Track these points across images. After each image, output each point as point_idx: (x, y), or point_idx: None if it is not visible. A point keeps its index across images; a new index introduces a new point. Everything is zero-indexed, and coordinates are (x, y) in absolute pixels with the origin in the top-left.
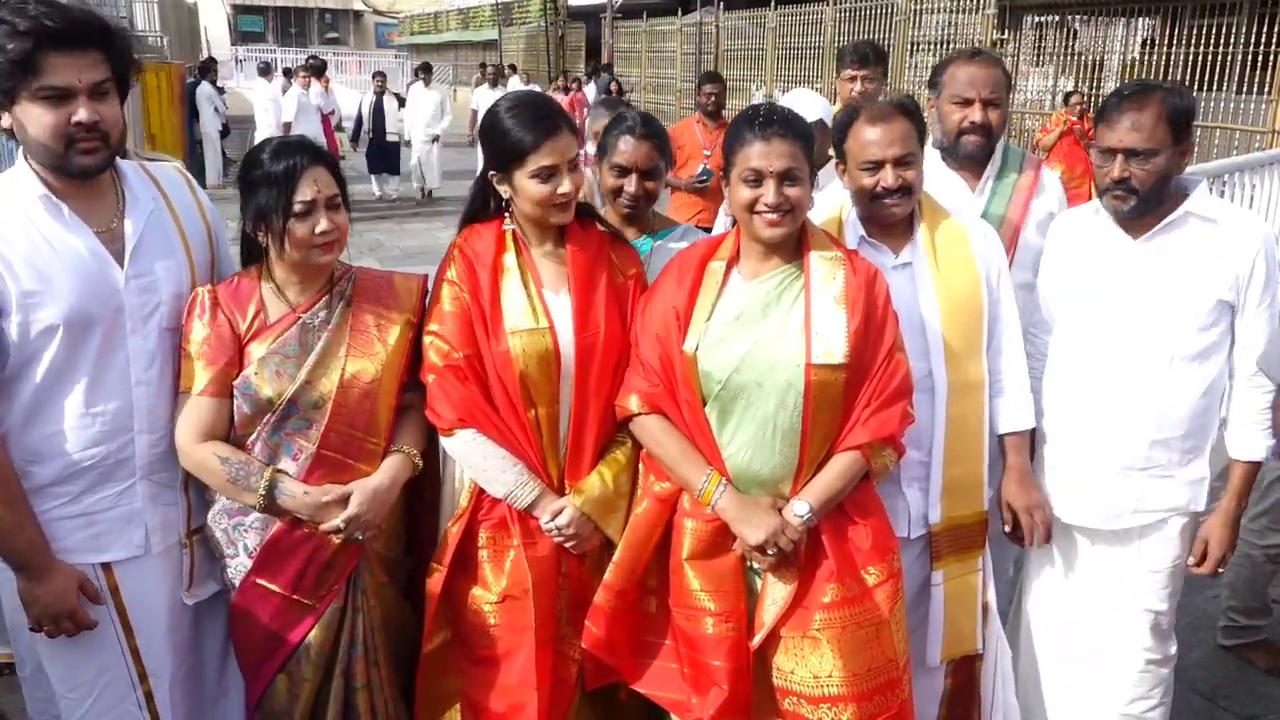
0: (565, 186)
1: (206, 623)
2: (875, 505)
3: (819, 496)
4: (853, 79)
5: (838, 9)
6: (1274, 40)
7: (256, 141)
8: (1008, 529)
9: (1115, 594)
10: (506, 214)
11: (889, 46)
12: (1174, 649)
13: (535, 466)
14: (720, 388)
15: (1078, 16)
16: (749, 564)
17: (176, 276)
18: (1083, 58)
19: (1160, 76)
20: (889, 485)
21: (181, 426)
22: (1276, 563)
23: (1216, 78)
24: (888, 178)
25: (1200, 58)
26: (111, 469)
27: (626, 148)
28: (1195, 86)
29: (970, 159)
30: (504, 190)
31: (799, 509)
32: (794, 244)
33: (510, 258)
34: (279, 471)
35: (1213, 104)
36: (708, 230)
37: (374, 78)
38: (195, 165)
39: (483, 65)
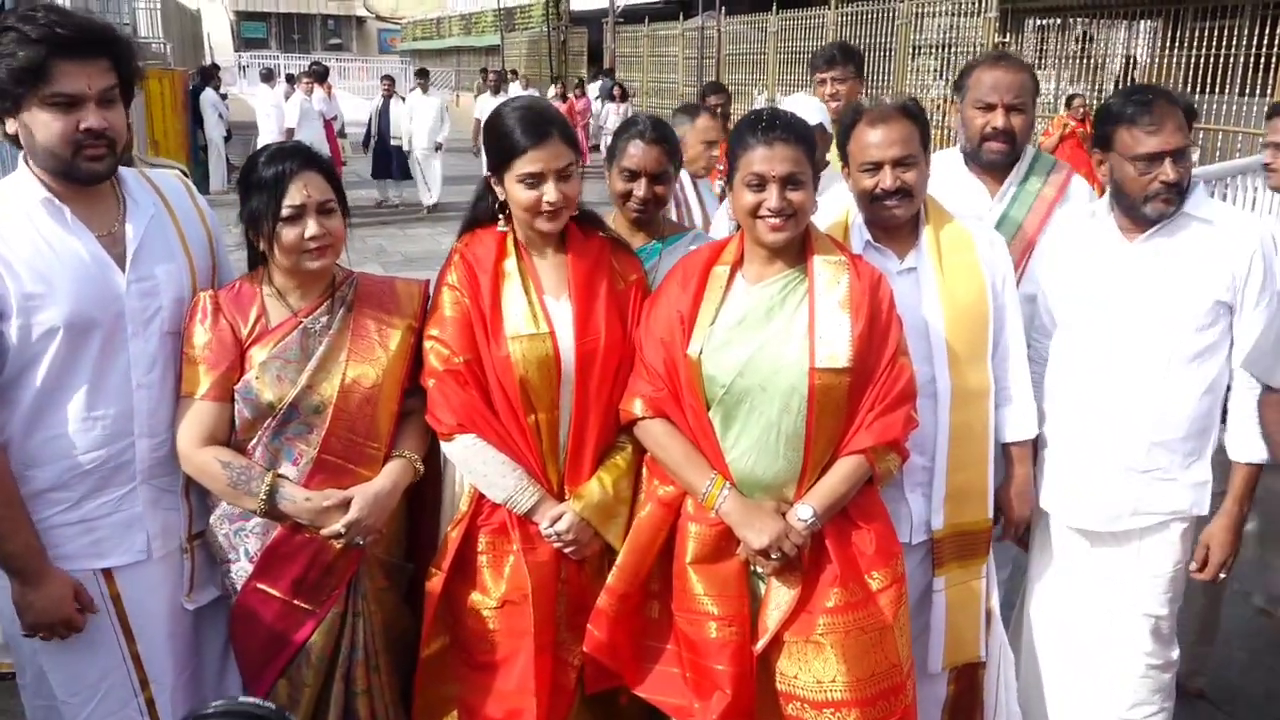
0: (551, 195)
1: (207, 628)
2: (879, 510)
3: (823, 501)
4: (823, 82)
5: (839, 13)
6: (1276, 43)
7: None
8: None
9: (1116, 598)
10: (501, 216)
11: (890, 50)
12: (1176, 654)
13: (535, 472)
14: (724, 392)
15: (1080, 19)
16: (752, 568)
17: (177, 281)
18: (1086, 60)
19: (1162, 79)
20: (892, 490)
21: (183, 431)
22: None
23: (1218, 80)
24: (886, 179)
25: (1202, 60)
26: (112, 473)
27: (636, 152)
28: (1197, 89)
29: (994, 166)
30: (500, 192)
31: (802, 513)
32: (798, 248)
33: (511, 263)
34: (280, 476)
35: (1215, 107)
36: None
37: (382, 81)
38: (199, 171)
39: (484, 71)
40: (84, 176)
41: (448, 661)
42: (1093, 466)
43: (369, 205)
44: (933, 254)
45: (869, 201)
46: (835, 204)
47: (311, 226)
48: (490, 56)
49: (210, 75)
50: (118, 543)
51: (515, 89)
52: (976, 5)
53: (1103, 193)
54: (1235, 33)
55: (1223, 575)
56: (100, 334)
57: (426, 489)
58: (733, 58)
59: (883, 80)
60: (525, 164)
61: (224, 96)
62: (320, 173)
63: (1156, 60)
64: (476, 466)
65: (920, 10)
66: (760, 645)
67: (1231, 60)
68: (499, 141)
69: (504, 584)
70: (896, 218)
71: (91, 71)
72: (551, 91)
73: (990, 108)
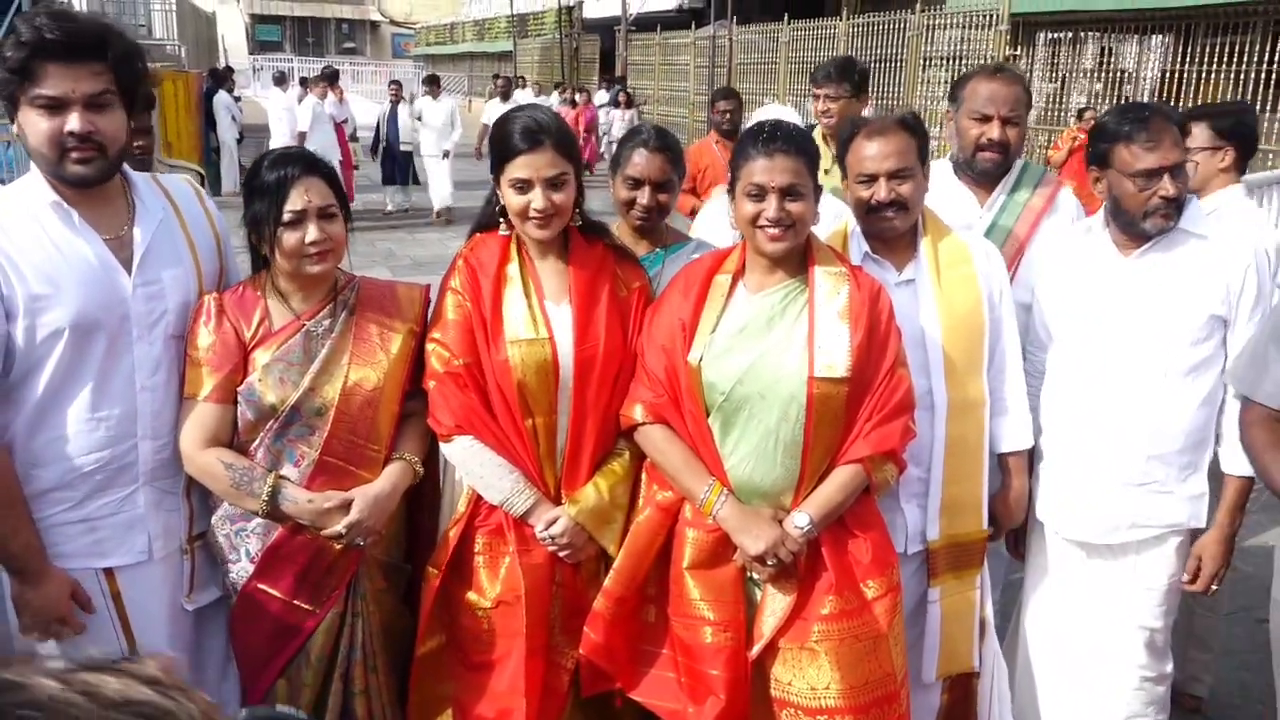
0: (538, 202)
1: (208, 629)
2: (875, 519)
3: (820, 509)
4: (817, 97)
5: (850, 24)
6: None
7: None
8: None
9: (1111, 610)
10: (502, 220)
11: (901, 62)
12: (1170, 666)
13: (532, 475)
14: (724, 399)
15: (1091, 33)
16: (749, 574)
17: (184, 285)
18: (1105, 74)
19: (1174, 93)
20: (888, 501)
21: (186, 432)
22: None
23: (1230, 95)
24: (881, 191)
25: (1214, 75)
26: (115, 474)
27: (640, 160)
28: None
29: (986, 175)
30: (501, 195)
31: (799, 520)
32: (798, 258)
33: (513, 268)
34: (281, 478)
35: None
36: None
37: (390, 86)
38: (211, 172)
39: (495, 76)
40: (71, 178)
41: (443, 660)
42: (1089, 479)
43: (380, 209)
44: (930, 266)
45: (865, 213)
46: (829, 215)
47: (312, 231)
48: (503, 62)
49: (224, 78)
50: (119, 543)
51: (526, 95)
52: (987, 18)
53: (1091, 209)
54: (1247, 48)
55: (1214, 587)
56: (105, 336)
57: (426, 491)
58: (744, 67)
59: (893, 92)
60: (515, 169)
61: (237, 99)
62: (322, 178)
63: (1167, 75)
64: (474, 468)
65: (931, 22)
66: (755, 651)
67: (1242, 75)
68: (497, 145)
69: (499, 585)
70: (892, 229)
71: (79, 74)
72: (556, 97)
73: (986, 119)
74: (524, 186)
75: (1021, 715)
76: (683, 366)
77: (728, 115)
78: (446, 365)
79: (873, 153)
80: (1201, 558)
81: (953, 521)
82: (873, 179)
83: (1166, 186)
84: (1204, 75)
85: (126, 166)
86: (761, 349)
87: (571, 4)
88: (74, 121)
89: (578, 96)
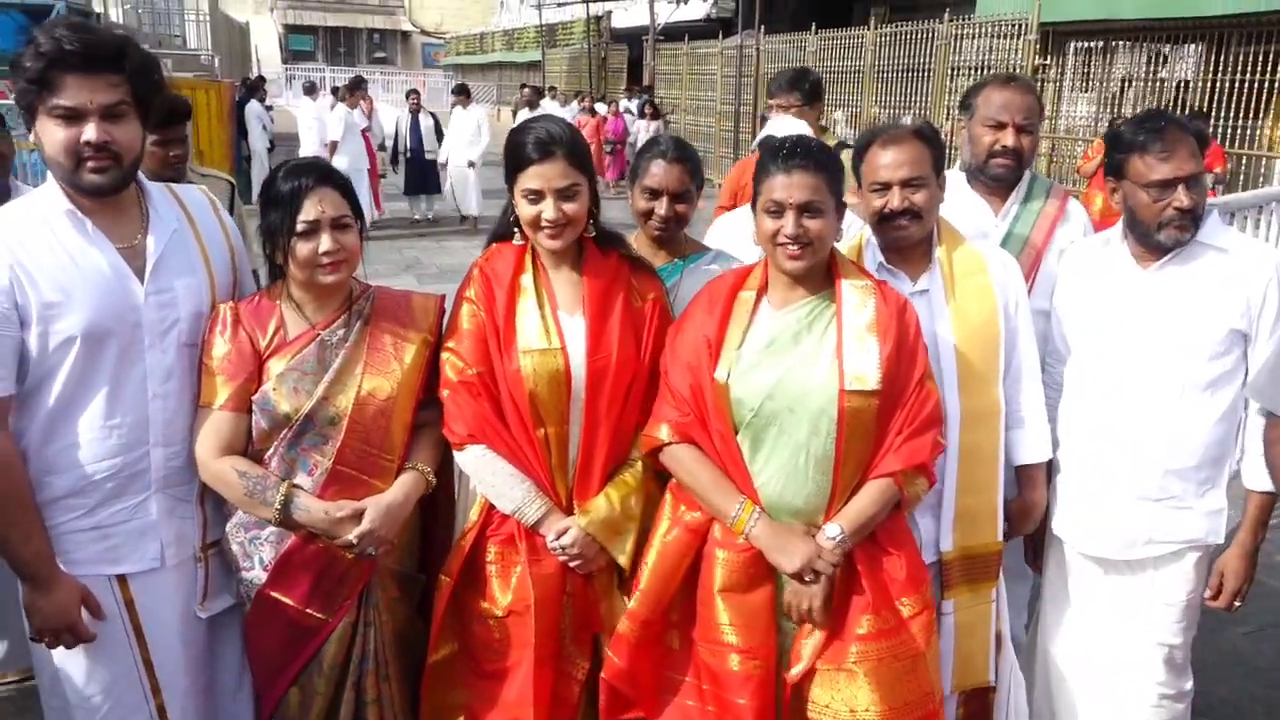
0: (548, 212)
1: (222, 635)
2: (907, 536)
3: (852, 521)
4: (770, 108)
5: (878, 33)
6: None
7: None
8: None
9: (1129, 626)
10: (516, 230)
11: (929, 71)
12: (1190, 684)
13: (544, 485)
14: (752, 415)
15: (1121, 42)
16: (780, 603)
17: (196, 294)
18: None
19: (1206, 103)
20: None
21: (201, 441)
22: None
23: (1263, 105)
24: (894, 199)
25: (1246, 85)
26: (127, 481)
27: (658, 171)
28: (1241, 114)
29: (998, 181)
30: (514, 205)
31: (831, 531)
32: (822, 274)
33: (528, 278)
34: (295, 486)
35: (1259, 131)
36: None
37: (408, 96)
38: (242, 180)
39: (523, 86)
40: (87, 187)
41: (455, 668)
42: (1106, 494)
43: (407, 217)
44: (945, 276)
45: (878, 222)
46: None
47: (325, 242)
48: (531, 72)
49: (255, 87)
50: (131, 550)
51: (552, 105)
52: (1016, 28)
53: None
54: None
55: (1237, 604)
56: (117, 344)
57: (440, 501)
58: (770, 76)
59: (921, 101)
60: (527, 179)
61: (269, 108)
62: (336, 189)
63: (1200, 84)
64: (486, 477)
65: (959, 32)
66: (795, 674)
67: (1275, 85)
68: (510, 156)
69: (510, 594)
70: (906, 238)
71: (96, 85)
72: (574, 107)
73: (1000, 126)
74: (536, 197)
75: None
76: (709, 384)
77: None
78: (460, 374)
79: (887, 161)
80: (1224, 574)
81: (967, 532)
82: (887, 187)
83: (1181, 198)
84: (1237, 84)
85: (141, 176)
86: (789, 363)
87: (600, 14)
88: (90, 131)
89: (599, 106)
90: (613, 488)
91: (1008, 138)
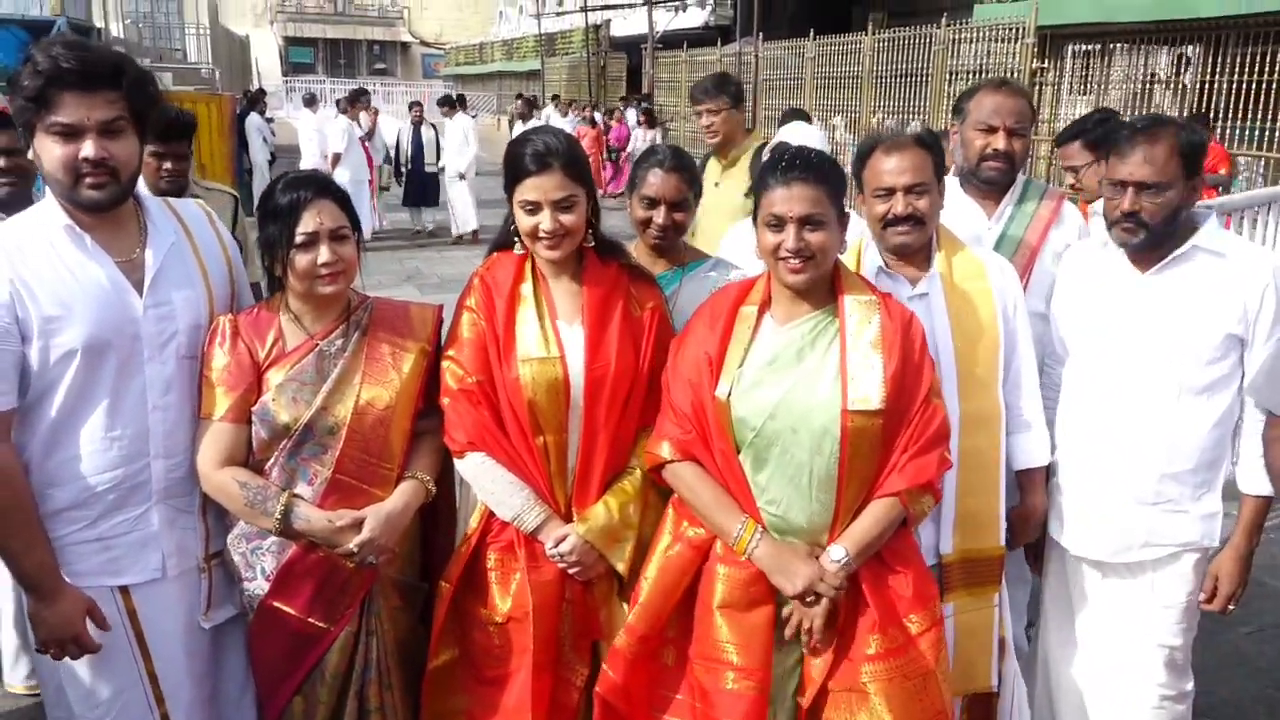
0: (546, 223)
1: (228, 647)
2: (914, 553)
3: (856, 543)
4: (699, 114)
5: (876, 39)
6: None
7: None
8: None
9: (1129, 628)
10: (516, 240)
11: (927, 76)
12: (1191, 685)
13: (543, 492)
14: (754, 434)
15: (1119, 45)
16: (779, 623)
17: (194, 307)
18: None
19: (1204, 105)
20: None
21: (202, 452)
22: None
23: (1262, 106)
24: (898, 205)
25: (1244, 86)
26: (128, 493)
27: (655, 180)
28: (1240, 115)
29: (991, 185)
30: (514, 215)
31: (835, 554)
32: (825, 287)
33: (527, 287)
34: (295, 496)
35: (1257, 133)
36: None
37: (411, 108)
38: (243, 193)
39: (519, 96)
40: (85, 203)
41: (455, 674)
42: (1103, 497)
43: (408, 228)
44: (945, 281)
45: (881, 227)
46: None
47: (324, 253)
48: (531, 81)
49: (256, 100)
50: (133, 561)
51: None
52: (1014, 31)
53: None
54: (1277, 58)
55: (1231, 607)
56: (117, 357)
57: (442, 509)
58: (770, 83)
59: (919, 106)
60: (525, 191)
61: (269, 120)
62: (334, 201)
63: (1198, 85)
64: (485, 484)
65: (957, 36)
66: (807, 699)
67: (1275, 86)
68: (508, 167)
69: (509, 601)
70: (908, 244)
71: (94, 102)
72: (573, 117)
73: (992, 130)
74: (533, 208)
75: None
76: (710, 402)
77: None
78: (460, 382)
79: (890, 167)
80: (1218, 577)
81: (968, 536)
82: (889, 193)
83: (1122, 201)
84: (1235, 86)
85: (139, 190)
86: (792, 382)
87: (599, 23)
88: (88, 148)
89: (597, 115)
90: (611, 495)
91: (999, 141)
